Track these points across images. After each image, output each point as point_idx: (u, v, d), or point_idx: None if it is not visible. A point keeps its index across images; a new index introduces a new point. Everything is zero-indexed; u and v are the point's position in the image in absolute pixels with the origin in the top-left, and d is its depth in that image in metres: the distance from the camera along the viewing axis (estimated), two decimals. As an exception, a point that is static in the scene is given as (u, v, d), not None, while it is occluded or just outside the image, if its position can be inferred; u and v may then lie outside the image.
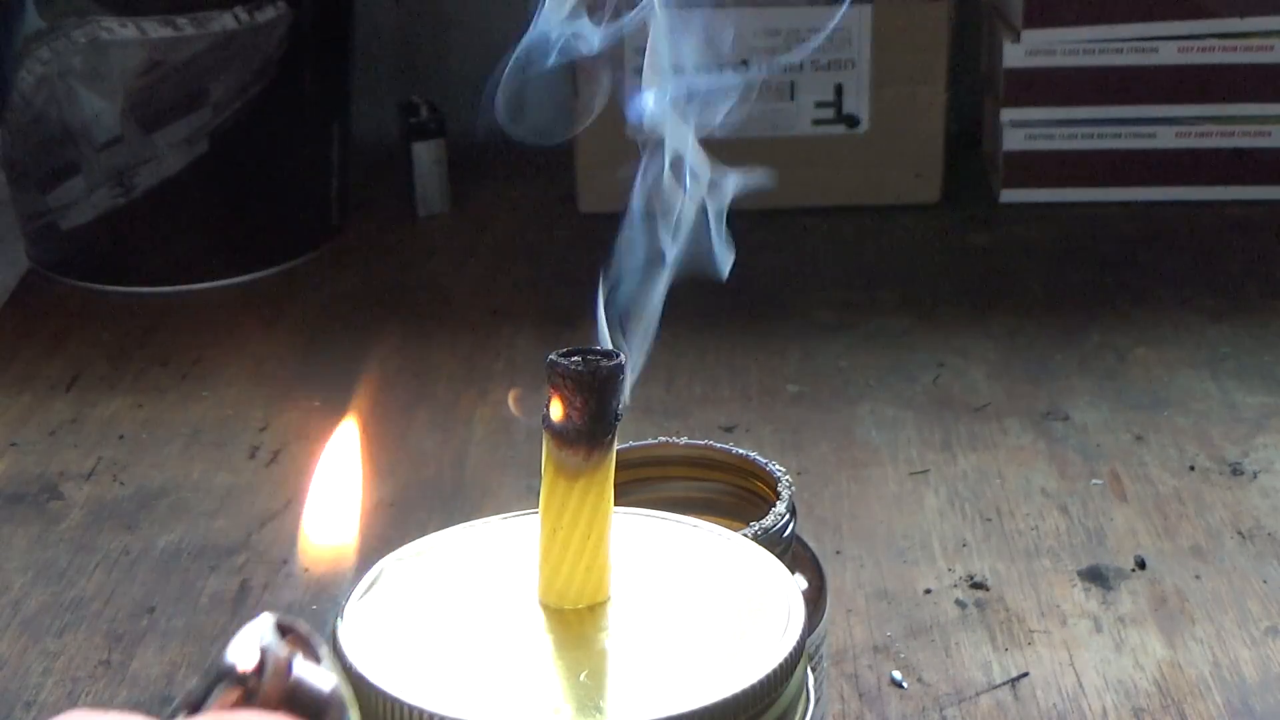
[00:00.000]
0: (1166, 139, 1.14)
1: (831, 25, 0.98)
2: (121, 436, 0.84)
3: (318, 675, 0.25)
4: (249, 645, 0.25)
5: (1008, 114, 1.15)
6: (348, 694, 0.25)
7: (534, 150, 1.24)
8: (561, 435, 0.33)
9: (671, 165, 0.35)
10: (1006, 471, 0.79)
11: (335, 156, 1.10)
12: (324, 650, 0.25)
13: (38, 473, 0.81)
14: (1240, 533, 0.73)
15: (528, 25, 0.36)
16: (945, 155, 1.15)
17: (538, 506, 0.34)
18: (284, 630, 0.25)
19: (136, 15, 0.94)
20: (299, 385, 0.89)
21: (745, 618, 0.33)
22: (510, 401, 0.36)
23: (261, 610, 0.25)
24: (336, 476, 0.32)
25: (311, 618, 0.73)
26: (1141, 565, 0.70)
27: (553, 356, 0.33)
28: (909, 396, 0.87)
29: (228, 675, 0.24)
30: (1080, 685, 0.62)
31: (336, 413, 0.87)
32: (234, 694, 0.24)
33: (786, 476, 0.49)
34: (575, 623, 0.33)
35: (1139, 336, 0.94)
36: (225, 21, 0.97)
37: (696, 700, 0.30)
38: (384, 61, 1.26)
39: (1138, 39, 1.12)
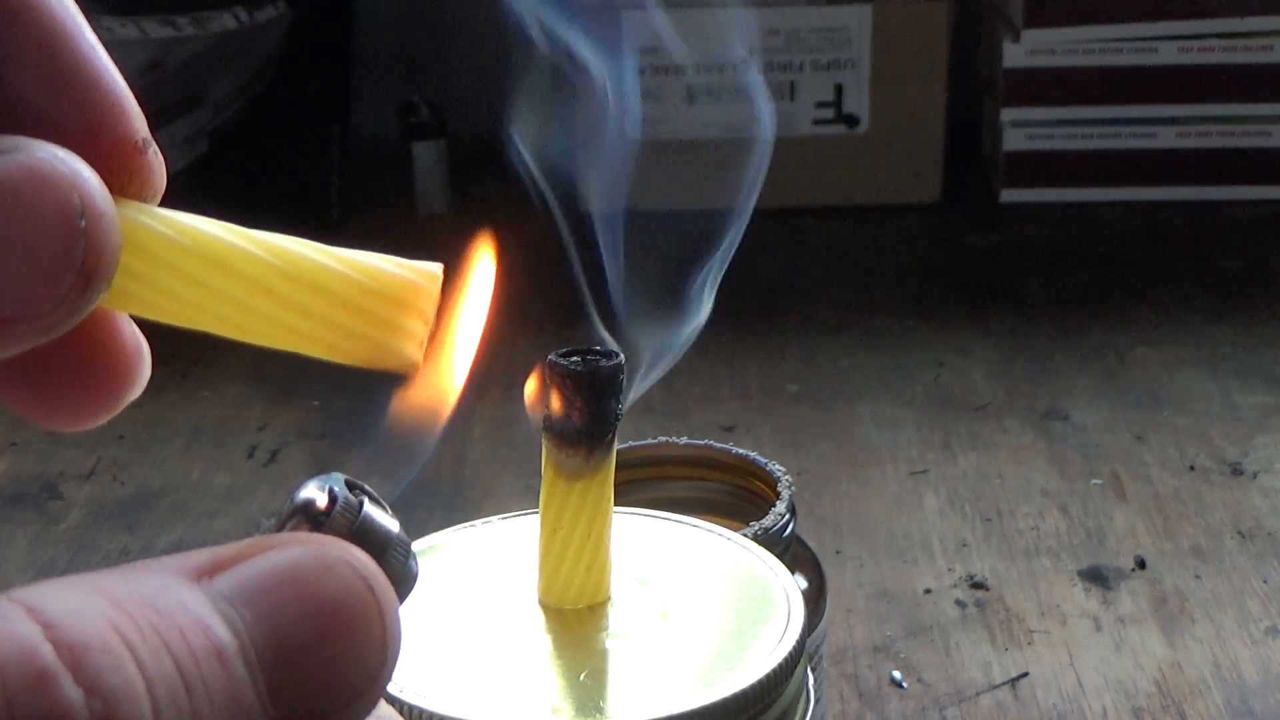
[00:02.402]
0: (1166, 139, 1.15)
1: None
2: (121, 436, 0.84)
3: (384, 518, 0.26)
4: (320, 488, 0.26)
5: (1008, 114, 1.15)
6: (409, 540, 0.26)
7: (534, 150, 1.24)
8: (561, 435, 0.33)
9: None
10: (1006, 471, 0.79)
11: (335, 156, 1.10)
12: (389, 508, 0.27)
13: (38, 473, 0.81)
14: (1240, 533, 0.73)
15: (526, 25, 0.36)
16: (945, 155, 1.15)
17: (538, 506, 0.34)
18: (352, 486, 0.26)
19: (136, 15, 0.94)
20: (298, 385, 0.89)
21: (745, 618, 0.33)
22: (527, 394, 0.35)
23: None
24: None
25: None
26: (1141, 565, 0.70)
27: (552, 357, 0.33)
28: (909, 396, 0.87)
29: (300, 512, 0.26)
30: (1080, 685, 0.62)
31: (338, 411, 0.87)
32: (305, 528, 0.26)
33: (786, 476, 0.49)
34: (575, 623, 0.33)
35: (1139, 336, 0.94)
36: (225, 21, 0.97)
37: (696, 700, 0.30)
38: (384, 61, 1.26)
39: (1138, 39, 1.12)
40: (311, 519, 0.26)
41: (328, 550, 0.24)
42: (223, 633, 0.22)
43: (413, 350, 0.27)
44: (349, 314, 0.27)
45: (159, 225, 0.26)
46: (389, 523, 0.26)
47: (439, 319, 0.29)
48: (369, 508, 0.26)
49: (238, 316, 0.26)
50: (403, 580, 0.26)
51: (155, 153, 0.27)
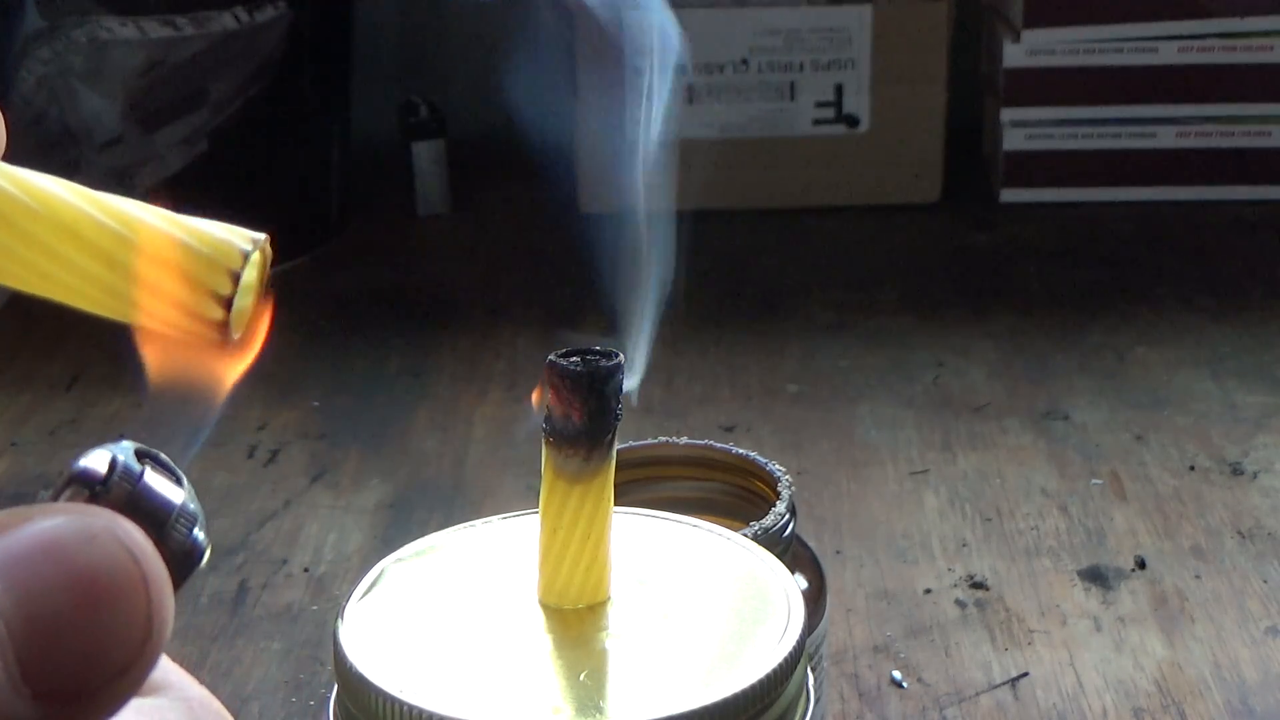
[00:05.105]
0: (1166, 139, 1.15)
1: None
2: (121, 436, 0.84)
3: (168, 489, 0.25)
4: (102, 456, 0.25)
5: (1008, 114, 1.15)
6: (199, 511, 0.25)
7: (534, 150, 1.24)
8: (561, 436, 0.33)
9: None
10: (1006, 471, 0.79)
11: (335, 156, 1.10)
12: (185, 479, 0.25)
13: (37, 473, 0.81)
14: (1240, 533, 0.73)
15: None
16: (945, 155, 1.15)
17: (538, 507, 0.34)
18: (142, 455, 0.25)
19: (136, 15, 0.95)
20: (298, 385, 0.89)
21: (745, 618, 0.33)
22: (534, 398, 0.35)
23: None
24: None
25: (312, 618, 0.72)
26: (1141, 565, 0.70)
27: (552, 357, 0.33)
28: (909, 396, 0.87)
29: (76, 480, 0.24)
30: (1080, 685, 0.62)
31: (338, 411, 0.87)
32: (81, 498, 0.24)
33: (786, 476, 0.49)
34: (575, 623, 0.33)
35: (1139, 336, 0.94)
36: (225, 21, 0.97)
37: (696, 700, 0.30)
38: (384, 61, 1.26)
39: (1138, 39, 1.12)
40: (88, 487, 0.24)
41: (91, 520, 0.22)
42: None
43: (213, 310, 0.26)
44: (147, 264, 0.25)
45: None
46: (173, 494, 0.25)
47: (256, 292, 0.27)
48: (150, 477, 0.25)
49: (45, 264, 0.25)
50: (185, 554, 0.24)
51: None
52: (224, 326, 0.26)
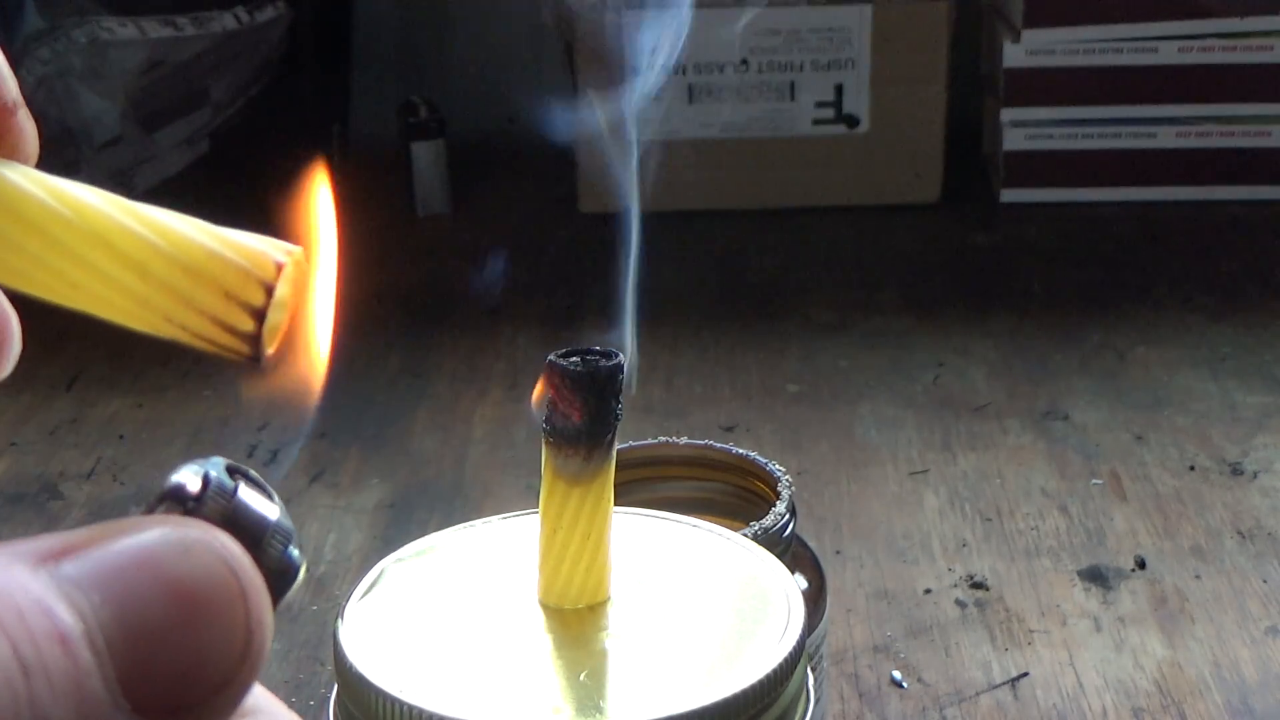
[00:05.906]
0: (1166, 139, 1.15)
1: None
2: (122, 436, 0.84)
3: (261, 504, 0.25)
4: (194, 472, 0.24)
5: (1008, 114, 1.15)
6: (293, 528, 0.25)
7: (534, 150, 1.24)
8: (561, 436, 0.33)
9: None
10: (1006, 471, 0.79)
11: (335, 156, 1.10)
12: (276, 496, 0.25)
13: (37, 473, 0.81)
14: (1240, 533, 0.73)
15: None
16: (945, 155, 1.15)
17: (538, 506, 0.34)
18: (233, 470, 0.25)
19: (136, 15, 0.95)
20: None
21: (745, 618, 0.33)
22: (534, 400, 0.35)
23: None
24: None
25: (312, 618, 0.72)
26: (1141, 565, 0.70)
27: (551, 357, 0.33)
28: (909, 396, 0.87)
29: (169, 496, 0.24)
30: (1080, 685, 0.62)
31: (338, 410, 0.87)
32: (175, 513, 0.24)
33: (786, 476, 0.49)
34: (575, 623, 0.33)
35: (1139, 336, 0.94)
36: (225, 21, 0.97)
37: (696, 700, 0.30)
38: (384, 61, 1.26)
39: (1138, 39, 1.12)
40: (182, 504, 0.24)
41: (187, 532, 0.22)
42: (66, 616, 0.20)
43: (245, 322, 0.25)
44: (186, 277, 0.25)
45: (27, 182, 0.24)
46: (267, 509, 0.25)
47: (295, 303, 0.26)
48: (244, 493, 0.24)
49: (75, 273, 0.25)
50: (281, 570, 0.24)
51: (27, 116, 0.26)
52: (255, 340, 0.25)
